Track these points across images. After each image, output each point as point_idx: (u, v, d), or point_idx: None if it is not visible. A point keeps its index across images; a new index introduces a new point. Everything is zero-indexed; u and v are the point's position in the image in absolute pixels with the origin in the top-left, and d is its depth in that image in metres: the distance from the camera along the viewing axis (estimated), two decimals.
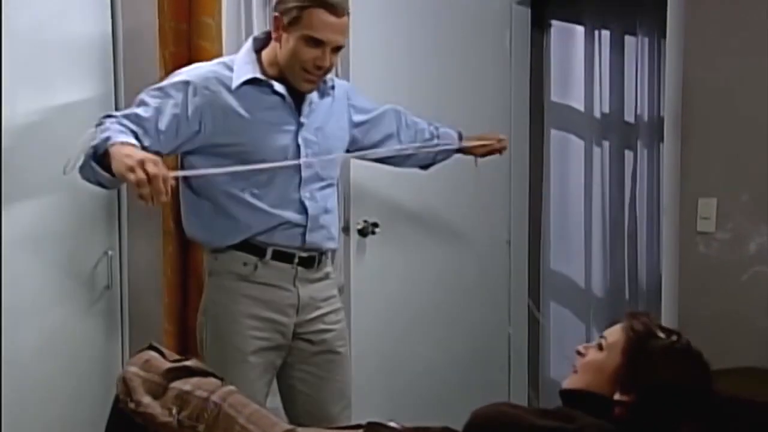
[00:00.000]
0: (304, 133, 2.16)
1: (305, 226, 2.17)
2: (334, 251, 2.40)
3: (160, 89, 2.09)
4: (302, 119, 2.16)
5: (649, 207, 3.90)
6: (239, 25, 2.88)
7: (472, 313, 3.41)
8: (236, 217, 2.12)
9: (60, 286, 2.34)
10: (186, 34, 2.60)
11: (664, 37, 3.02)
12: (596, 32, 3.82)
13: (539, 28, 3.72)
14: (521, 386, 3.69)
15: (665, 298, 2.88)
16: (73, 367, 2.35)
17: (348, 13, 2.09)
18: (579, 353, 1.65)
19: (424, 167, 2.61)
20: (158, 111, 2.03)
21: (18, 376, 2.16)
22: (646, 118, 3.91)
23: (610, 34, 3.87)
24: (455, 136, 2.56)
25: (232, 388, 1.68)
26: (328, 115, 2.24)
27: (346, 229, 2.92)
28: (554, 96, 3.79)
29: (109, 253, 2.44)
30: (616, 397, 1.55)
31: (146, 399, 1.62)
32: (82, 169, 1.97)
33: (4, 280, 2.14)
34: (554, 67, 3.78)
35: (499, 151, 2.61)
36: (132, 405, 1.63)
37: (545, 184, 3.78)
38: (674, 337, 1.59)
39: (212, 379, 1.68)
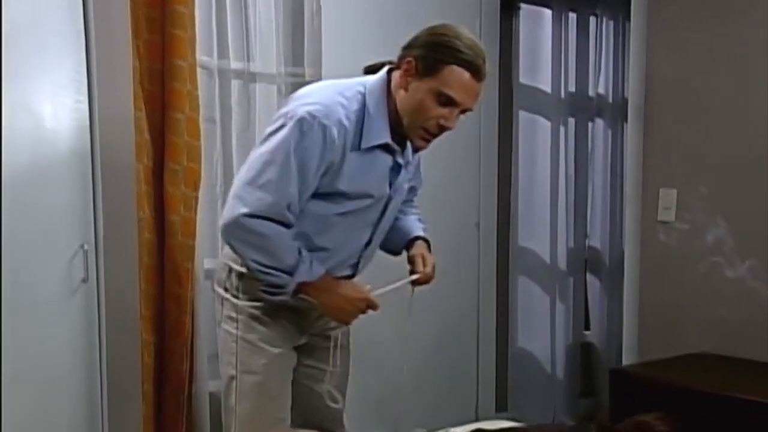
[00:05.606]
0: (395, 187, 2.00)
1: (358, 263, 2.05)
2: None
3: (305, 154, 1.83)
4: (399, 178, 2.00)
5: (613, 186, 3.87)
6: (210, 11, 2.74)
7: (443, 291, 3.34)
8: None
9: (36, 280, 2.24)
10: (159, 23, 2.51)
11: (629, 19, 2.93)
12: (563, 15, 3.73)
13: (508, 11, 3.61)
14: (490, 357, 3.67)
15: (627, 283, 2.85)
16: (51, 361, 2.27)
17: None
18: None
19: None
20: (307, 174, 1.86)
21: None
22: (610, 99, 3.87)
23: (577, 17, 3.79)
24: (417, 227, 2.20)
25: None
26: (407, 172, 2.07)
27: None
28: (523, 78, 3.69)
29: (85, 246, 2.35)
30: None
31: None
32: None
33: None
34: (523, 50, 3.67)
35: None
36: None
37: (514, 164, 3.70)
38: None
39: None
